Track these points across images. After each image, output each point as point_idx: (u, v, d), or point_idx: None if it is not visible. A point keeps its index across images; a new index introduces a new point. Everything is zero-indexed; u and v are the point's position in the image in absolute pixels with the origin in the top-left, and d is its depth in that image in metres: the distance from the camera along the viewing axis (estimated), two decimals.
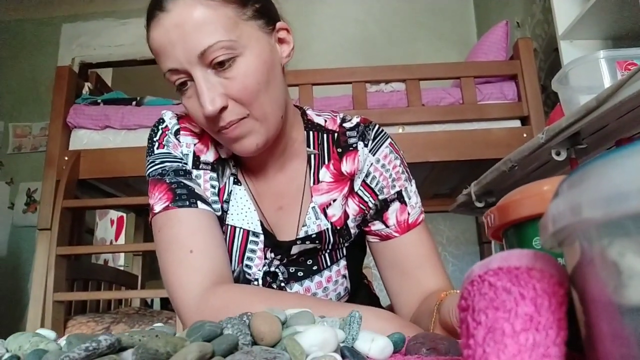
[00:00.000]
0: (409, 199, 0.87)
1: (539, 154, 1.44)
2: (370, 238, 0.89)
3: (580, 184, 0.20)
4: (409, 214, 0.86)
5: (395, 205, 0.86)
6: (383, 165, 0.86)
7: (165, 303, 3.64)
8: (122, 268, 4.01)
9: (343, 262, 0.87)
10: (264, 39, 0.74)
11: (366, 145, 0.85)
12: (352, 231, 0.86)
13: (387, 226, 0.86)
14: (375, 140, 0.86)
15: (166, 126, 0.84)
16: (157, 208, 0.77)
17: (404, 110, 2.29)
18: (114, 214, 4.59)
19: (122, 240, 4.61)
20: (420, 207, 0.88)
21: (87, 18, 4.22)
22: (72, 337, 0.34)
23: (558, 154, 1.35)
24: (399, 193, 0.86)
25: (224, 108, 0.70)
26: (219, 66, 0.69)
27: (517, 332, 0.21)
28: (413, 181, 0.90)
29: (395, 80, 2.40)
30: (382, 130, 0.88)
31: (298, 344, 0.31)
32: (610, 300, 0.18)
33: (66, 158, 2.29)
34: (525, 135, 2.21)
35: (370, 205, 0.86)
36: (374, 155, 0.85)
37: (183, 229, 0.74)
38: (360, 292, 0.99)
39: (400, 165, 0.87)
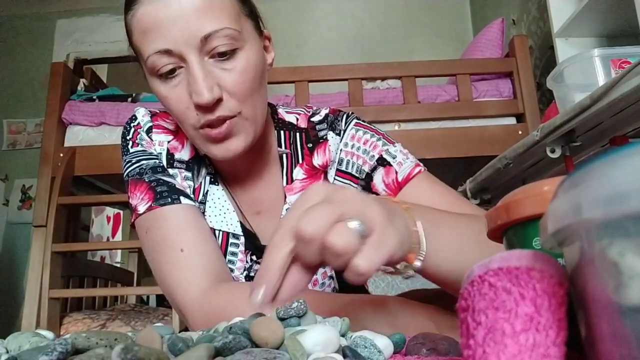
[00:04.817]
0: (394, 158, 0.80)
1: (533, 151, 1.45)
2: None
3: (580, 184, 0.20)
4: (396, 172, 0.79)
5: (379, 171, 0.80)
6: (352, 146, 0.82)
7: (161, 300, 3.63)
8: (118, 265, 4.00)
9: None
10: (258, 40, 0.73)
11: (338, 134, 0.83)
12: None
13: (378, 195, 0.79)
14: (345, 127, 0.83)
15: (138, 124, 0.81)
16: (141, 209, 0.74)
17: (400, 107, 2.29)
18: (110, 211, 4.57)
19: (119, 237, 4.60)
20: (414, 161, 0.81)
21: (82, 14, 4.20)
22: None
23: (553, 151, 1.36)
24: (380, 158, 0.80)
25: (219, 100, 0.66)
26: (220, 56, 0.65)
27: (517, 332, 0.21)
28: (398, 143, 0.83)
29: (391, 77, 2.40)
30: (350, 116, 0.85)
31: (299, 344, 0.31)
32: (610, 300, 0.19)
33: (61, 155, 2.28)
34: (520, 132, 2.22)
35: None
36: (341, 141, 0.82)
37: (170, 228, 0.72)
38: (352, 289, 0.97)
39: (373, 137, 0.82)
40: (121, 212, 4.44)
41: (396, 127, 2.27)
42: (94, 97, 2.43)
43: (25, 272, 2.87)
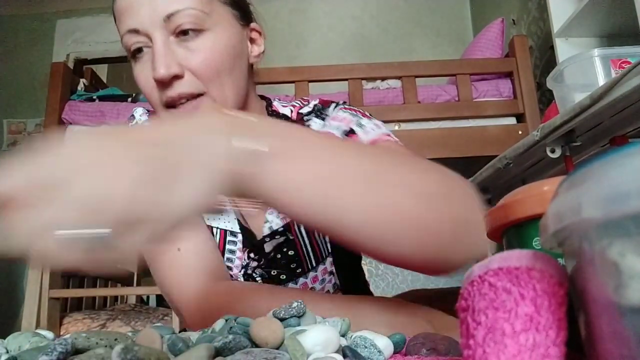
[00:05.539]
0: (361, 127, 0.77)
1: (533, 151, 1.45)
2: None
3: (580, 184, 0.20)
4: (361, 139, 0.76)
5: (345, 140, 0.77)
6: (330, 126, 0.80)
7: (161, 300, 3.63)
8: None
9: (330, 259, 0.82)
10: (236, 27, 0.73)
11: (322, 120, 0.82)
12: None
13: None
14: (332, 113, 0.82)
15: (136, 123, 0.82)
16: None
17: (400, 107, 2.29)
18: None
19: None
20: (387, 131, 0.78)
21: (82, 14, 4.20)
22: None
23: (553, 151, 1.36)
24: (349, 130, 0.78)
25: (177, 76, 0.66)
26: (183, 34, 0.66)
27: (517, 332, 0.21)
28: (374, 119, 0.81)
29: (391, 77, 2.40)
30: (341, 104, 0.84)
31: (299, 344, 0.31)
32: (610, 300, 0.19)
33: None
34: (520, 132, 2.22)
35: None
36: (324, 126, 0.81)
37: None
38: (355, 285, 0.93)
39: (350, 115, 0.80)
40: None
41: (396, 127, 2.27)
42: (94, 97, 2.44)
43: (25, 271, 2.87)
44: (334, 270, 0.84)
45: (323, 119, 0.82)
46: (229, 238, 0.79)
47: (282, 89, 2.55)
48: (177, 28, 0.66)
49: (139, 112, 0.83)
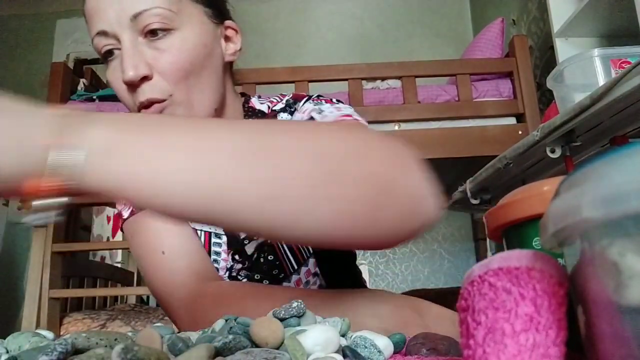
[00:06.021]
0: (320, 112, 0.75)
1: (533, 151, 1.44)
2: None
3: (580, 184, 0.20)
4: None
5: None
6: (295, 118, 0.79)
7: None
8: (118, 265, 4.00)
9: (312, 260, 0.80)
10: (208, 25, 0.71)
11: (290, 114, 0.80)
12: None
13: None
14: (302, 105, 0.80)
15: None
16: (125, 214, 0.74)
17: (400, 107, 2.29)
18: (110, 211, 4.56)
19: (119, 237, 4.59)
20: (347, 113, 0.73)
21: (82, 14, 4.19)
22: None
23: (553, 151, 1.35)
24: (308, 119, 0.75)
25: (146, 78, 0.65)
26: (151, 34, 0.65)
27: (517, 332, 0.21)
28: (341, 104, 0.77)
29: (391, 77, 2.40)
30: (314, 96, 0.82)
31: (299, 344, 0.31)
32: (610, 300, 0.19)
33: None
34: (520, 132, 2.21)
35: None
36: (290, 119, 0.79)
37: (150, 231, 0.72)
38: (345, 287, 0.90)
39: (312, 104, 0.77)
40: None
41: (396, 127, 2.27)
42: (94, 97, 2.44)
43: (26, 272, 2.87)
44: (318, 272, 0.82)
45: (291, 114, 0.81)
46: (213, 240, 0.79)
47: (282, 89, 2.54)
48: (144, 28, 0.64)
49: None
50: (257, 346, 0.33)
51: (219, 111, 0.75)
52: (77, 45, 4.14)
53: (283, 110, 0.82)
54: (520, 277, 0.23)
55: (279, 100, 0.85)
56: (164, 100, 0.67)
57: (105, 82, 3.29)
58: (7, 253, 3.89)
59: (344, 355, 0.33)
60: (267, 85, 2.28)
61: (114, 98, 2.44)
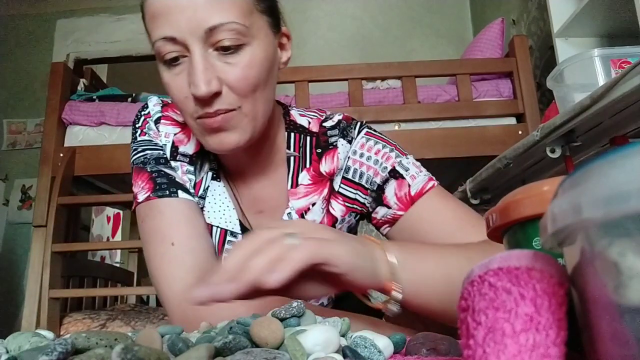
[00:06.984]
0: (406, 170, 0.78)
1: (533, 152, 1.44)
2: (382, 230, 0.81)
3: (580, 184, 0.20)
4: (409, 185, 0.77)
5: (392, 183, 0.78)
6: (362, 155, 0.80)
7: None
8: (118, 265, 4.00)
9: None
10: (271, 37, 0.71)
11: (349, 142, 0.81)
12: None
13: (389, 207, 0.78)
14: (357, 135, 0.82)
15: (148, 112, 0.81)
16: (140, 197, 0.75)
17: (400, 107, 2.29)
18: (110, 211, 4.57)
19: (119, 237, 4.60)
20: (427, 175, 0.79)
21: (82, 14, 4.20)
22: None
23: (553, 151, 1.35)
24: (392, 170, 0.79)
25: (217, 93, 0.65)
26: (224, 50, 0.64)
27: (517, 332, 0.21)
28: (410, 155, 0.82)
29: (391, 77, 2.40)
30: (363, 125, 0.84)
31: (299, 344, 0.31)
32: (610, 300, 0.19)
33: (61, 155, 2.28)
34: (520, 132, 2.21)
35: (362, 201, 0.81)
36: (351, 149, 0.81)
37: (164, 220, 0.72)
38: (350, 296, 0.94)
39: (385, 147, 0.80)
40: (121, 212, 4.44)
41: (396, 127, 2.27)
42: (94, 97, 2.43)
43: (25, 272, 2.87)
44: None
45: (349, 141, 0.82)
46: (228, 238, 0.79)
47: (282, 89, 2.54)
48: (217, 42, 0.64)
49: (153, 101, 0.82)
50: (257, 346, 0.33)
51: (270, 121, 0.76)
52: (77, 45, 4.14)
53: (335, 128, 0.83)
54: (520, 277, 0.23)
55: (321, 115, 0.86)
56: (232, 110, 0.67)
57: (104, 81, 3.29)
58: (7, 253, 3.89)
59: (344, 355, 0.33)
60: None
61: (113, 98, 2.45)
